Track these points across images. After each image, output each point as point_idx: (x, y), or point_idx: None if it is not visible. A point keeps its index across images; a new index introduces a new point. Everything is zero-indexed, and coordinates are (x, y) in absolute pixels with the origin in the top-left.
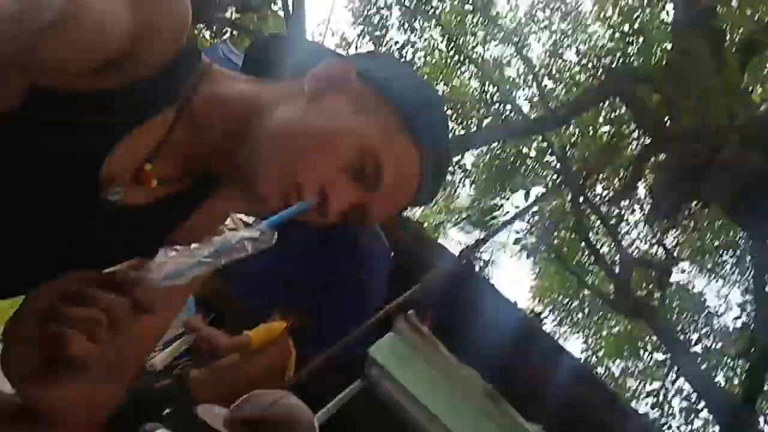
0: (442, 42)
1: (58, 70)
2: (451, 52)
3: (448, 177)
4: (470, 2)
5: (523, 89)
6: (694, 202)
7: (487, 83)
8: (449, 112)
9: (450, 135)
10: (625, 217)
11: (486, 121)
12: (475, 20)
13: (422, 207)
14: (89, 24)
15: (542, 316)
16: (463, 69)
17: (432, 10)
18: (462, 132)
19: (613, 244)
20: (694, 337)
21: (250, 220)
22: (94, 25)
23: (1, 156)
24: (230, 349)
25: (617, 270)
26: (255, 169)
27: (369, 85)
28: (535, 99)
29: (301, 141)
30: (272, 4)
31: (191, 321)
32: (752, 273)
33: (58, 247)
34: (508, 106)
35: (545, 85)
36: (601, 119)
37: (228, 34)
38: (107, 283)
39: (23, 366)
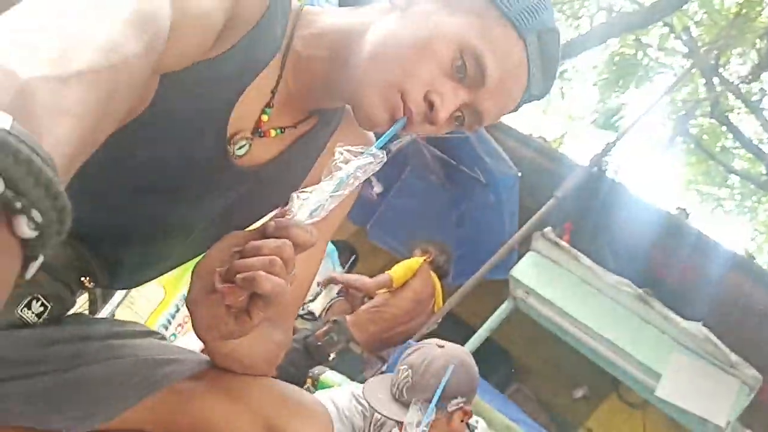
0: None
1: (180, 60)
2: None
3: (567, 82)
4: None
5: None
6: None
7: None
8: (557, 15)
9: (556, 23)
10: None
11: (598, 17)
12: None
13: (542, 116)
14: (197, 23)
15: (688, 210)
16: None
17: None
18: (575, 33)
19: (757, 122)
20: None
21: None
22: (201, 22)
23: (143, 140)
24: (375, 288)
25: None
26: (360, 89)
27: None
28: None
29: (398, 50)
30: None
31: (335, 275)
32: None
33: (197, 217)
34: None
35: None
36: None
37: None
38: (264, 234)
39: (215, 323)
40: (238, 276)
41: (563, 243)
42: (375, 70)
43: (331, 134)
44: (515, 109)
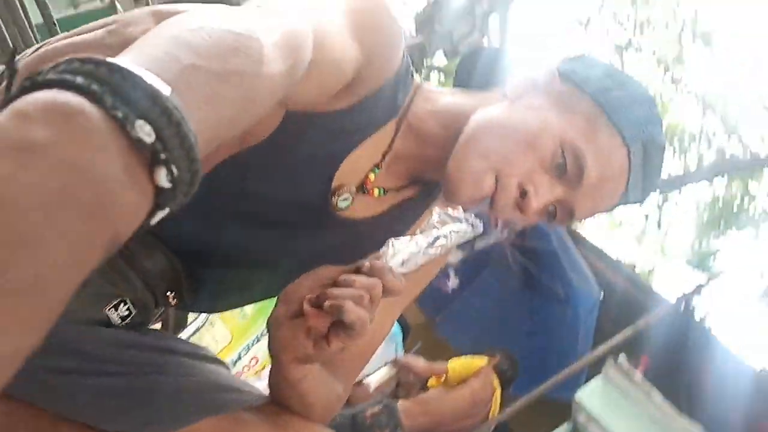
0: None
1: (308, 100)
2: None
3: (664, 214)
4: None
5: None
6: None
7: (707, 115)
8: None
9: (660, 122)
10: None
11: (707, 156)
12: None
13: (638, 255)
14: (331, 67)
15: None
16: (680, 100)
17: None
18: (680, 168)
19: None
20: None
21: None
22: (335, 67)
23: (255, 168)
24: (428, 373)
25: None
26: (456, 163)
27: (570, 83)
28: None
29: (502, 135)
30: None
31: (396, 358)
32: None
33: (287, 253)
34: (733, 140)
35: None
36: None
37: (436, 80)
38: (357, 271)
39: (294, 344)
40: (327, 302)
41: (637, 375)
42: (475, 149)
43: (428, 205)
44: (609, 211)
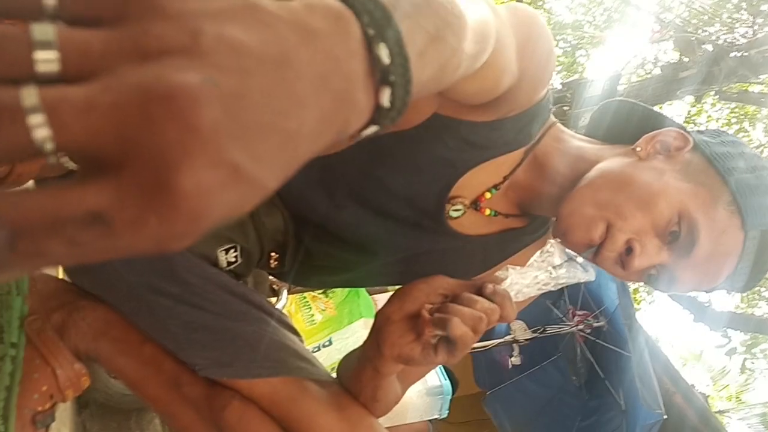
0: None
1: (458, 103)
2: None
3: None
4: None
5: None
6: None
7: None
8: None
9: None
10: None
11: None
12: None
13: (724, 381)
14: (495, 72)
15: None
16: None
17: None
18: None
19: None
20: None
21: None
22: (497, 73)
23: (391, 155)
24: None
25: None
26: (573, 205)
27: (703, 156)
28: None
29: (621, 189)
30: None
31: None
32: None
33: (388, 245)
34: None
35: None
36: None
37: None
38: (479, 290)
39: (402, 343)
40: (437, 315)
41: None
42: (594, 196)
43: (532, 242)
44: (709, 291)
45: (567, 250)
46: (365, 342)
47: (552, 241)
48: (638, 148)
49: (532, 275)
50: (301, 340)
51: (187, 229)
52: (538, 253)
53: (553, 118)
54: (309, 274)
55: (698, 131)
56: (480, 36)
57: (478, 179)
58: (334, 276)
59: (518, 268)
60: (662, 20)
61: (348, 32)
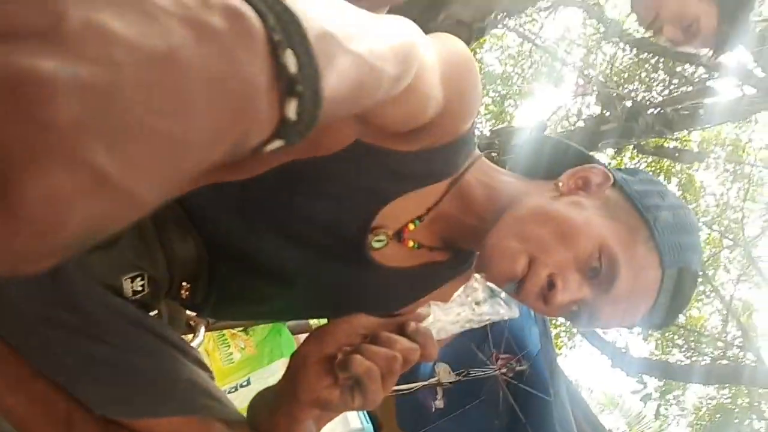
0: None
1: (382, 131)
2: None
3: (665, 410)
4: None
5: None
6: None
7: (728, 323)
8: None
9: (700, 261)
10: None
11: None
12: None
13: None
14: (420, 97)
15: None
16: (706, 301)
17: None
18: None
19: None
20: None
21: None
22: (422, 98)
23: (309, 182)
24: None
25: None
26: (497, 240)
27: (623, 194)
28: None
29: (544, 223)
30: None
31: None
32: None
33: (306, 275)
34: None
35: None
36: None
37: None
38: (401, 329)
39: (319, 387)
40: (339, 357)
41: None
42: (517, 230)
43: (455, 276)
44: (628, 327)
45: (490, 284)
46: (279, 383)
47: (476, 276)
48: (560, 184)
49: (455, 312)
50: (211, 377)
51: (35, 245)
52: (461, 288)
53: (478, 151)
54: (225, 306)
55: (618, 169)
56: (403, 58)
57: (402, 210)
58: (251, 308)
59: (441, 304)
60: (586, 75)
61: (250, 34)
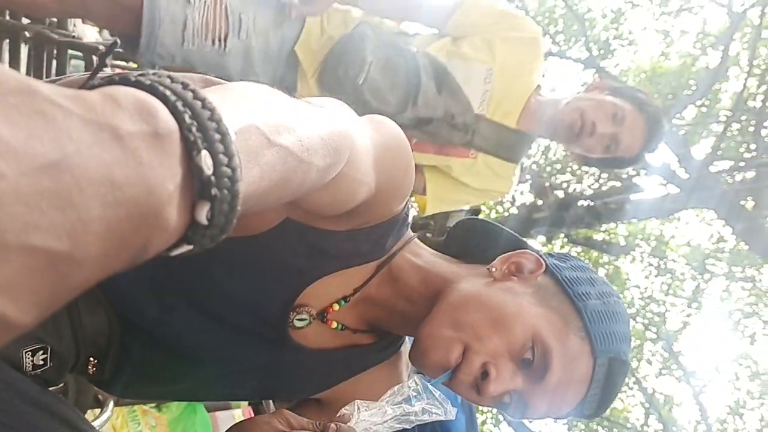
0: None
1: (310, 212)
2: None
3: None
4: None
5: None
6: None
7: (651, 416)
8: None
9: (630, 350)
10: None
11: None
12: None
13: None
14: (350, 183)
15: None
16: (629, 393)
17: None
18: None
19: None
20: None
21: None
22: (352, 185)
23: (232, 261)
24: None
25: None
26: (430, 328)
27: (555, 280)
28: None
29: (478, 311)
30: None
31: None
32: None
33: (220, 354)
34: None
35: None
36: None
37: None
38: (322, 429)
39: None
40: None
41: None
42: (451, 319)
43: (380, 361)
44: (559, 418)
45: (424, 382)
46: None
47: (414, 375)
48: (494, 269)
49: (382, 412)
50: None
51: None
52: (393, 389)
53: (411, 232)
54: (135, 385)
55: (548, 254)
56: (333, 148)
57: (327, 289)
58: (162, 388)
59: (368, 403)
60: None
61: (162, 135)
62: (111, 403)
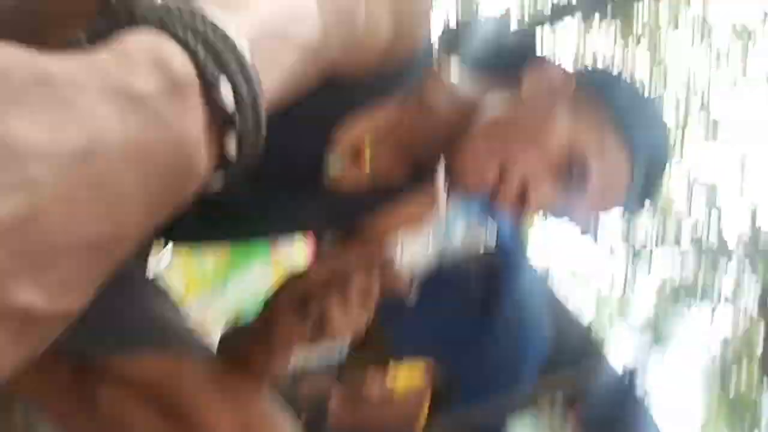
0: None
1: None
2: None
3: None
4: None
5: None
6: None
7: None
8: None
9: (669, 144)
10: None
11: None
12: None
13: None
14: (368, 35)
15: None
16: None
17: None
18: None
19: None
20: None
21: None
22: (371, 33)
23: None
24: (374, 397)
25: None
26: (465, 152)
27: (586, 89)
28: None
29: (513, 130)
30: None
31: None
32: None
33: (269, 204)
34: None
35: None
36: None
37: None
38: (368, 263)
39: (289, 336)
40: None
41: (570, 421)
42: (484, 140)
43: (413, 191)
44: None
45: (461, 208)
46: (252, 326)
47: (451, 203)
48: (525, 86)
49: (424, 246)
50: (178, 309)
51: None
52: (432, 219)
53: (436, 59)
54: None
55: (578, 69)
56: (345, 15)
57: (358, 131)
58: (210, 230)
59: (412, 239)
60: None
61: (180, 82)
62: (168, 248)
